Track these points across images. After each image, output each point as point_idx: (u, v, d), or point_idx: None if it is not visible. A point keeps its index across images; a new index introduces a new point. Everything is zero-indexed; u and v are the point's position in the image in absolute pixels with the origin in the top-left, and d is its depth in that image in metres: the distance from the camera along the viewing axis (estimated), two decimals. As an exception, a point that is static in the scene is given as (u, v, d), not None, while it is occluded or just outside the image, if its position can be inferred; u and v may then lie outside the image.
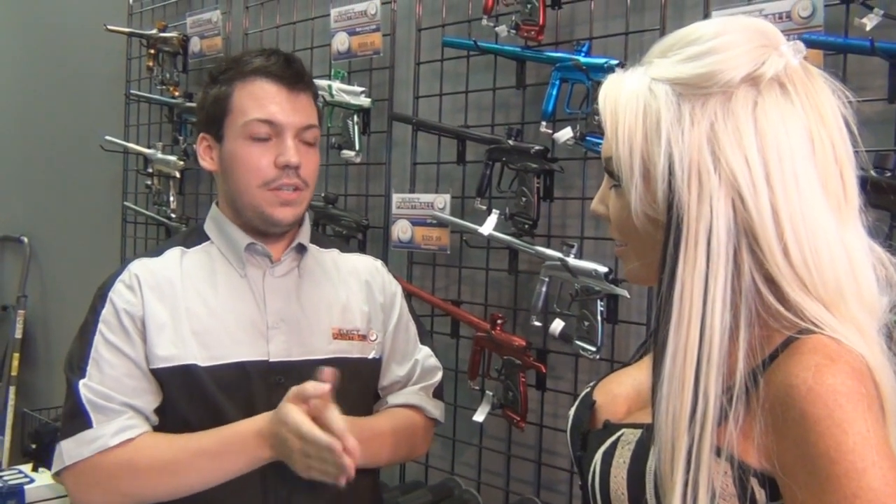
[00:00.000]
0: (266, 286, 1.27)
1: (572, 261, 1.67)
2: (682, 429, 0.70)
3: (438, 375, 1.48)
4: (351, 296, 1.36)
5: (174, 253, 1.29)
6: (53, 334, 3.64)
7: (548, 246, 1.76)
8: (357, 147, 2.15)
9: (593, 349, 1.64)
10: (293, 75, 1.26)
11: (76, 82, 3.44)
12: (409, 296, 2.06)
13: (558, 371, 1.83)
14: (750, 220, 0.71)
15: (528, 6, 1.75)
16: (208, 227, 1.33)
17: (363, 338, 1.34)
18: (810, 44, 1.34)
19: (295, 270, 1.32)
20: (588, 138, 1.66)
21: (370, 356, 1.35)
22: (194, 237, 1.33)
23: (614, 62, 1.63)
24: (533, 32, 1.76)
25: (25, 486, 2.24)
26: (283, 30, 2.48)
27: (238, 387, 1.21)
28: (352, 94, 2.16)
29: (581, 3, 1.77)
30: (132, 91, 3.01)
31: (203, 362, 1.20)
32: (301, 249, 1.33)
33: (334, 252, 1.43)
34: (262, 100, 1.22)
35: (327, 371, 1.11)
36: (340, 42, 2.22)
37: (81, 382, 1.19)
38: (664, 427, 0.72)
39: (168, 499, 1.18)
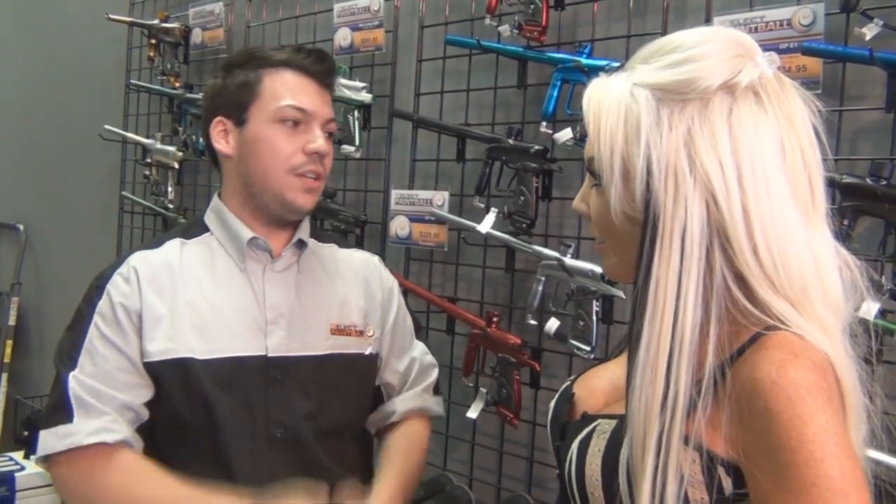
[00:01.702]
0: (266, 281, 1.27)
1: (569, 260, 1.68)
2: (653, 416, 0.74)
3: (435, 372, 1.51)
4: (349, 291, 1.37)
5: (174, 244, 1.28)
6: (47, 322, 3.63)
7: (545, 245, 1.78)
8: (357, 142, 2.16)
9: (588, 349, 1.66)
10: (325, 72, 1.29)
11: (76, 71, 3.44)
12: (405, 292, 2.07)
13: (552, 369, 1.84)
14: (722, 220, 0.75)
15: (532, 7, 1.76)
16: (209, 219, 1.33)
17: (360, 333, 1.35)
18: (810, 52, 1.36)
19: (294, 266, 1.32)
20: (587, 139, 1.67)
21: (367, 352, 1.36)
22: (194, 229, 1.33)
23: (615, 64, 1.64)
24: (535, 33, 1.77)
25: (16, 474, 2.24)
26: (286, 24, 2.48)
27: (234, 381, 1.21)
28: (353, 89, 2.17)
29: (584, 4, 1.78)
30: (132, 81, 3.01)
31: (201, 355, 1.20)
32: (301, 245, 1.34)
33: (333, 247, 1.43)
34: (296, 88, 1.25)
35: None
36: (343, 37, 2.23)
37: (72, 375, 1.17)
38: (636, 414, 0.76)
39: None
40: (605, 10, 1.77)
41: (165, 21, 2.80)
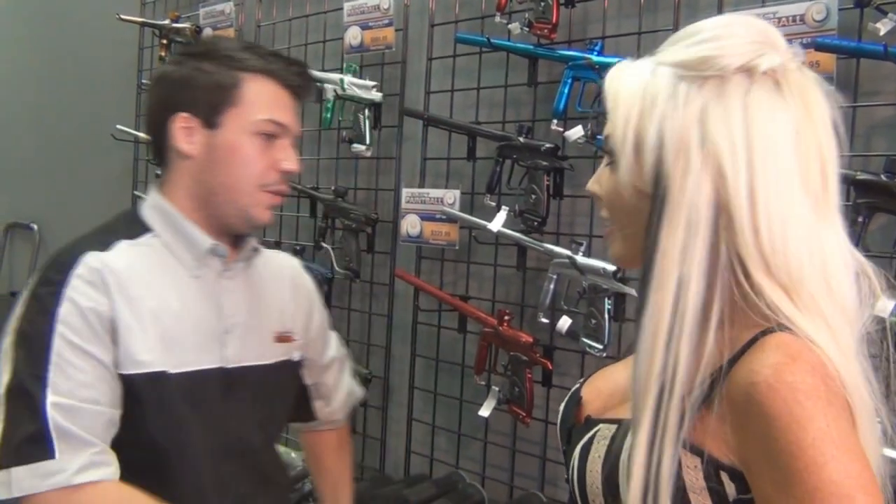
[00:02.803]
0: (220, 289, 1.21)
1: (581, 258, 1.67)
2: (651, 383, 0.73)
3: (347, 357, 1.52)
4: (284, 297, 1.33)
5: (123, 247, 1.16)
6: (61, 321, 3.65)
7: (556, 243, 1.77)
8: (368, 141, 2.16)
9: (600, 347, 1.65)
10: (304, 87, 1.24)
11: (88, 71, 3.46)
12: (416, 290, 2.08)
13: (564, 368, 1.84)
14: (728, 197, 0.74)
15: (542, 4, 1.76)
16: (151, 219, 1.20)
17: (293, 339, 1.32)
18: (824, 47, 1.35)
19: (242, 273, 1.26)
20: (599, 137, 1.67)
21: (296, 358, 1.34)
22: (135, 228, 1.19)
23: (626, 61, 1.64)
24: (546, 30, 1.76)
25: None
26: (296, 23, 2.48)
27: (199, 395, 1.15)
28: (363, 88, 2.17)
29: (594, 1, 1.77)
30: (144, 81, 3.02)
31: (171, 368, 1.12)
32: (255, 252, 1.28)
33: (263, 251, 1.36)
34: (276, 101, 1.19)
35: None
36: (353, 36, 2.23)
37: (48, 399, 1.02)
38: (638, 381, 0.75)
39: None
40: (615, 7, 1.76)
41: (176, 21, 2.81)
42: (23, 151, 3.89)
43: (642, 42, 1.68)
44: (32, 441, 1.01)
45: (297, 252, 2.37)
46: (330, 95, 2.25)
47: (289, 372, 1.30)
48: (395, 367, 2.22)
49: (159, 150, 1.22)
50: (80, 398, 1.04)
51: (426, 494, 1.89)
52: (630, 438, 0.77)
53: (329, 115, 2.26)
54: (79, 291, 1.08)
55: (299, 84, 1.22)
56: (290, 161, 1.19)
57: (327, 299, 2.33)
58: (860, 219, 1.30)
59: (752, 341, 0.73)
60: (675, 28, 1.61)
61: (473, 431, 2.02)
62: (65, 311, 1.07)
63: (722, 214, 0.74)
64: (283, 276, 1.34)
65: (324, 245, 2.30)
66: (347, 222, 2.21)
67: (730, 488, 0.72)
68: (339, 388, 1.46)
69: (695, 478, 0.73)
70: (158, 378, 1.10)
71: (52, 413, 1.02)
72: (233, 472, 1.18)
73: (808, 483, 0.65)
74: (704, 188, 0.74)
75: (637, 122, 0.78)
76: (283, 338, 1.28)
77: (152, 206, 1.21)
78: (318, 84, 2.30)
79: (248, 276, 1.26)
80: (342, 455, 1.50)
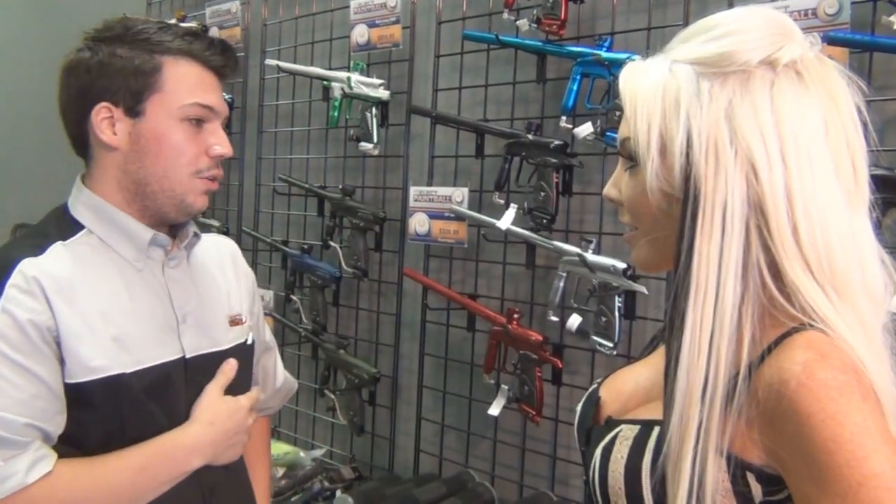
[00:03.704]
0: (167, 279, 1.19)
1: (591, 256, 1.66)
2: (694, 401, 0.72)
3: (276, 347, 1.50)
4: (228, 279, 1.31)
5: (57, 249, 1.10)
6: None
7: (566, 241, 1.76)
8: (375, 139, 2.16)
9: (611, 345, 1.64)
10: (228, 66, 1.20)
11: (95, 71, 3.46)
12: (425, 289, 2.07)
13: (574, 366, 1.83)
14: (762, 195, 0.72)
15: (550, 0, 1.74)
16: (82, 217, 1.15)
17: (243, 322, 1.30)
18: (836, 41, 1.33)
19: (185, 260, 1.23)
20: (608, 134, 1.66)
21: (248, 341, 1.32)
22: (67, 228, 1.14)
23: (636, 57, 1.62)
24: (554, 27, 1.75)
25: None
26: (303, 21, 2.48)
27: (162, 389, 1.13)
28: (370, 86, 2.16)
29: (603, -3, 1.76)
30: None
31: (128, 369, 1.09)
32: (196, 238, 1.26)
33: (203, 236, 1.34)
34: (201, 83, 1.14)
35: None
36: (360, 34, 2.22)
37: None
38: (677, 401, 0.73)
39: None
40: (624, 3, 1.75)
41: (183, 20, 2.80)
42: (30, 153, 3.89)
43: (652, 38, 1.67)
44: None
45: (305, 251, 2.37)
46: (337, 94, 2.25)
47: (245, 356, 1.28)
48: (403, 366, 2.21)
49: (81, 144, 1.17)
50: (14, 412, 1.01)
51: (436, 494, 1.88)
52: (654, 440, 0.76)
53: (336, 114, 2.25)
54: (15, 303, 1.02)
55: (223, 64, 1.17)
56: (221, 145, 1.16)
57: (335, 298, 2.32)
58: (874, 214, 1.28)
59: (779, 341, 0.71)
60: (686, 24, 1.59)
61: (483, 430, 2.01)
62: (2, 325, 1.02)
63: (755, 213, 0.72)
64: (224, 258, 1.32)
65: (332, 244, 2.30)
66: (355, 221, 2.20)
67: (756, 490, 0.71)
68: (276, 374, 1.45)
69: (720, 480, 0.71)
70: (115, 381, 1.07)
71: None
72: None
73: (850, 478, 0.64)
74: (738, 186, 0.72)
75: (661, 123, 0.77)
76: (234, 321, 1.26)
77: (82, 202, 1.16)
78: (326, 83, 2.29)
79: (191, 263, 1.24)
80: (263, 442, 1.45)
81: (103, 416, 1.07)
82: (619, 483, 0.80)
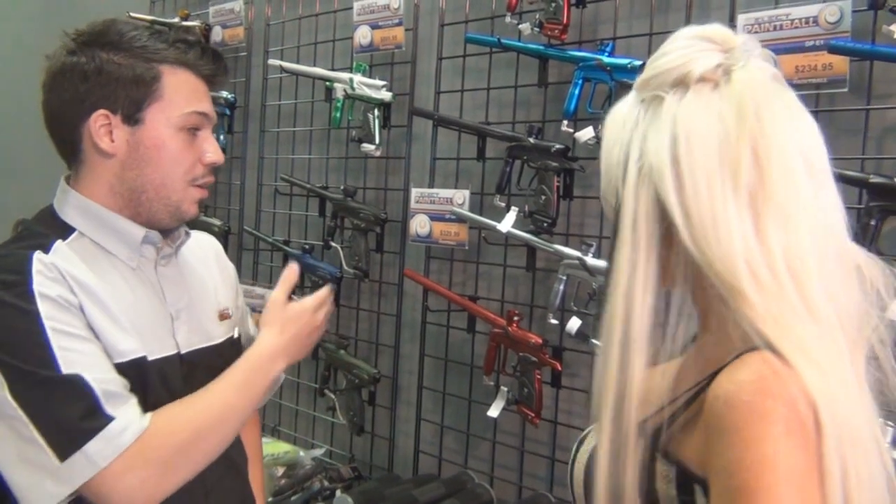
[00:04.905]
0: (160, 277, 1.20)
1: (591, 260, 1.67)
2: (608, 394, 0.76)
3: None
4: (214, 275, 1.33)
5: (61, 247, 1.11)
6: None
7: (566, 244, 1.77)
8: (377, 141, 2.16)
9: (610, 348, 1.65)
10: (220, 74, 1.22)
11: (97, 69, 3.46)
12: (425, 290, 2.08)
13: (573, 368, 1.83)
14: (667, 211, 0.74)
15: (553, 4, 1.75)
16: (71, 219, 1.16)
17: (230, 315, 1.32)
18: (837, 50, 1.34)
19: (174, 258, 1.25)
20: (610, 138, 1.67)
21: (235, 335, 1.34)
22: (60, 230, 1.14)
23: (638, 63, 1.63)
24: (557, 31, 1.76)
25: None
26: (306, 21, 2.48)
27: (170, 381, 1.15)
28: (373, 87, 2.17)
29: (606, 2, 1.77)
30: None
31: (149, 356, 1.12)
32: (187, 235, 1.28)
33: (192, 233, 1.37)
34: (196, 92, 1.16)
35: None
36: (363, 35, 2.23)
37: (84, 374, 1.01)
38: (595, 392, 0.78)
39: (213, 457, 1.12)
40: (626, 8, 1.76)
41: (186, 19, 2.81)
42: (32, 148, 3.90)
43: (653, 43, 1.67)
44: (88, 415, 1.01)
45: (307, 251, 2.38)
46: (340, 94, 2.25)
47: (235, 350, 1.29)
48: (403, 367, 2.22)
49: (70, 148, 1.16)
50: (112, 372, 1.05)
51: (435, 494, 1.89)
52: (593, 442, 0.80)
53: (339, 115, 2.26)
54: (46, 286, 1.04)
55: (214, 73, 1.19)
56: (214, 152, 1.18)
57: (336, 299, 2.33)
58: (872, 222, 1.29)
59: (738, 356, 0.70)
60: (687, 29, 1.60)
61: (482, 431, 2.02)
62: (43, 307, 1.02)
63: (669, 229, 0.74)
64: (208, 254, 1.34)
65: (333, 244, 2.30)
66: (357, 222, 2.21)
67: (701, 501, 0.71)
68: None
69: (667, 489, 0.73)
70: (140, 364, 1.10)
71: (92, 384, 1.01)
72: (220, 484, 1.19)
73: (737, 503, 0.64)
74: (643, 202, 0.75)
75: (610, 148, 0.82)
76: (223, 315, 1.28)
77: (73, 205, 1.16)
78: (329, 84, 2.30)
79: (179, 260, 1.26)
80: (254, 438, 1.46)
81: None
82: (579, 486, 0.86)
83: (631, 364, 0.74)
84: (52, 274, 1.05)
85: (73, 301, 1.06)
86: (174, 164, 1.14)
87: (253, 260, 2.66)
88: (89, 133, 1.12)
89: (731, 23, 1.50)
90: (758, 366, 0.67)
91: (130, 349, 1.09)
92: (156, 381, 1.12)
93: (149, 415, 1.05)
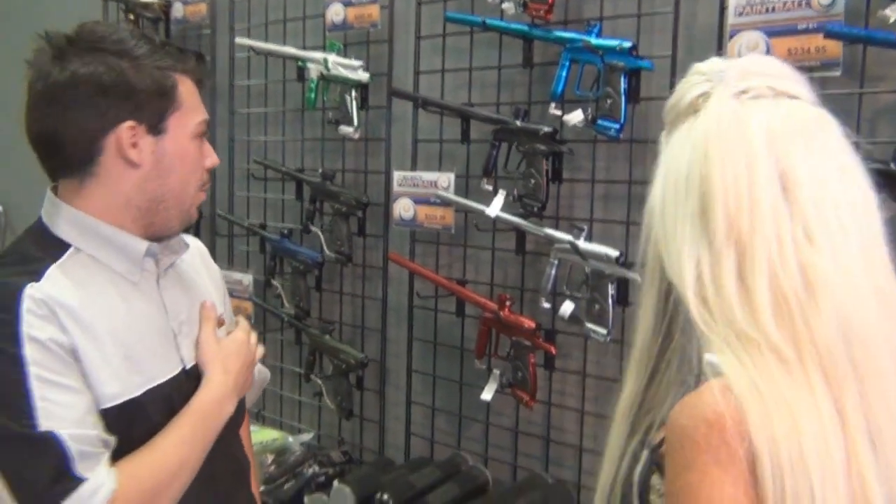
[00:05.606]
0: (161, 290, 1.19)
1: (583, 244, 1.67)
2: (621, 412, 0.85)
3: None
4: (205, 281, 1.33)
5: (54, 273, 1.06)
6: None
7: (556, 228, 1.77)
8: (355, 123, 2.12)
9: (604, 332, 1.66)
10: (205, 81, 1.23)
11: (48, 46, 3.31)
12: (411, 274, 2.06)
13: (566, 349, 1.85)
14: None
15: (537, -16, 1.72)
16: (65, 234, 1.11)
17: (224, 321, 1.31)
18: (833, 35, 1.34)
19: (171, 268, 1.23)
20: (599, 122, 1.66)
21: None
22: (53, 248, 1.10)
23: (627, 44, 1.61)
24: (542, 11, 1.73)
25: None
26: (273, -3, 2.40)
27: (169, 402, 1.14)
28: (349, 68, 2.11)
29: (590, -19, 1.74)
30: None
31: (138, 391, 1.09)
32: (186, 246, 1.26)
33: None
34: (199, 100, 1.19)
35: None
36: (335, 13, 2.16)
37: (60, 432, 0.98)
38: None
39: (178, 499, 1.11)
40: (612, -13, 1.73)
41: (147, -6, 2.69)
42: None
43: (641, 24, 1.66)
44: (60, 476, 0.98)
45: (285, 235, 2.33)
46: (314, 75, 2.19)
47: None
48: (391, 351, 2.21)
49: (78, 162, 1.10)
50: (85, 427, 1.01)
51: (432, 478, 1.90)
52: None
53: (314, 96, 2.21)
54: (37, 327, 1.00)
55: (202, 78, 1.20)
56: (213, 156, 1.21)
57: (318, 283, 2.30)
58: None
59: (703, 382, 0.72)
60: (675, 10, 1.59)
61: (474, 413, 2.03)
62: (30, 351, 0.99)
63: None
64: (195, 259, 1.32)
65: (312, 228, 2.26)
66: (337, 206, 2.17)
67: None
68: (256, 385, 1.44)
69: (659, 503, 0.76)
70: (128, 406, 1.08)
71: (67, 444, 0.98)
72: (215, 469, 1.17)
73: None
74: (644, 236, 0.82)
75: None
76: (219, 322, 1.27)
77: (66, 219, 1.11)
78: (301, 64, 2.24)
79: (178, 269, 1.25)
80: (245, 433, 1.44)
81: (120, 443, 1.06)
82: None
83: (636, 381, 0.83)
84: (43, 311, 1.01)
85: (65, 342, 1.02)
86: (192, 172, 1.16)
87: (228, 244, 2.61)
88: (117, 146, 1.08)
89: (722, 6, 1.49)
90: (706, 393, 0.68)
91: (117, 392, 1.06)
92: (151, 413, 1.10)
93: (113, 471, 1.02)
